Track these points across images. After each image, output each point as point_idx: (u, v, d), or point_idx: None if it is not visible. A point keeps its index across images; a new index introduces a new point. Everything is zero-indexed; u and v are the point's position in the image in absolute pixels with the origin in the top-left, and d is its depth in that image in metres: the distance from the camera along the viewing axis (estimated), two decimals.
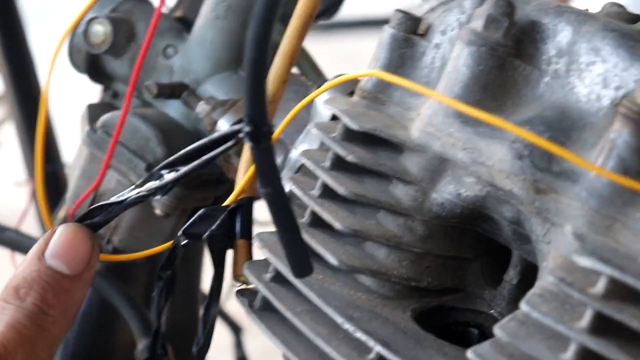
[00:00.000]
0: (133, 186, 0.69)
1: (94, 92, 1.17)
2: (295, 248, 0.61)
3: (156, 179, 0.68)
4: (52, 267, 0.67)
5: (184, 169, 0.66)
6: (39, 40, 1.65)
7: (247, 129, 0.58)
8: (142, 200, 0.69)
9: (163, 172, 0.68)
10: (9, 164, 2.14)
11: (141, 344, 0.97)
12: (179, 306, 0.98)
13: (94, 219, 0.69)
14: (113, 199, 0.69)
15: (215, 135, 0.64)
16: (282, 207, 0.60)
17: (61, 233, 0.68)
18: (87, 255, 0.68)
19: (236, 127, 0.61)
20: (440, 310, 0.73)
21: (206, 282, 1.22)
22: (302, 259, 0.61)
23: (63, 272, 0.67)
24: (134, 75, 0.81)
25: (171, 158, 0.67)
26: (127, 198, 0.68)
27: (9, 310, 0.65)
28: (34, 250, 0.68)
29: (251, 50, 0.56)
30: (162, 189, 0.68)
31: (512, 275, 0.72)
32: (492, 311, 0.73)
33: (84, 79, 1.08)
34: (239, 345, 1.44)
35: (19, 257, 1.19)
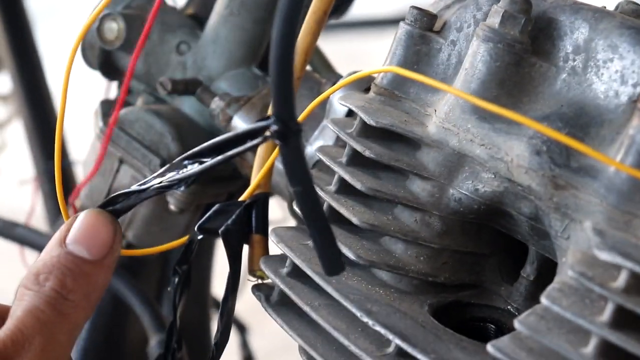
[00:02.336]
0: (154, 174, 0.68)
1: (101, 89, 1.18)
2: (327, 246, 0.61)
3: (179, 170, 0.67)
4: (72, 252, 0.66)
5: (209, 162, 0.66)
6: (42, 39, 1.65)
7: (274, 127, 0.58)
8: (165, 191, 0.68)
9: (186, 162, 0.67)
10: (13, 163, 2.15)
11: (154, 340, 0.97)
12: (189, 303, 0.99)
13: (116, 205, 0.69)
14: (134, 187, 0.69)
15: (241, 130, 0.63)
16: (313, 205, 0.60)
17: (83, 218, 0.67)
18: (109, 240, 0.67)
19: (263, 123, 0.60)
20: (457, 305, 0.73)
21: (216, 281, 1.22)
22: (334, 257, 0.61)
23: (84, 257, 0.66)
24: (132, 60, 0.80)
25: (195, 149, 0.66)
26: (149, 187, 0.68)
27: (28, 296, 0.65)
28: (55, 236, 0.67)
29: (277, 47, 0.55)
30: (185, 181, 0.67)
31: (529, 271, 0.72)
32: (508, 307, 0.73)
33: (91, 76, 1.09)
34: (244, 344, 1.44)
35: (29, 253, 1.20)
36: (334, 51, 1.16)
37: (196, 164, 0.66)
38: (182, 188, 0.67)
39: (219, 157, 0.65)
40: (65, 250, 0.66)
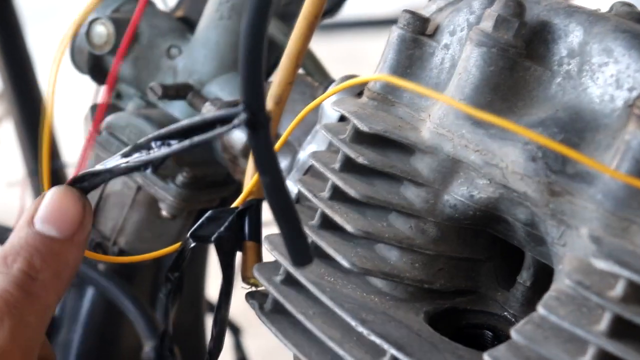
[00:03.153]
0: (119, 153, 0.66)
1: (94, 90, 1.17)
2: (294, 237, 0.60)
3: (145, 150, 0.65)
4: (41, 231, 0.65)
5: (176, 145, 0.63)
6: (38, 40, 1.64)
7: (243, 116, 0.57)
8: (131, 172, 0.66)
9: (152, 143, 0.65)
10: (2, 164, 2.14)
11: (147, 346, 0.97)
12: (183, 308, 0.98)
13: (83, 183, 0.67)
14: (99, 167, 0.67)
15: (209, 115, 0.62)
16: (281, 195, 0.59)
17: (50, 197, 0.66)
18: (78, 217, 0.66)
19: (232, 110, 0.59)
20: (453, 312, 0.72)
21: (210, 286, 1.22)
22: (301, 249, 0.60)
23: (53, 235, 0.65)
24: (116, 60, 0.79)
25: (162, 131, 0.64)
26: (116, 166, 0.66)
27: None
28: (23, 216, 0.66)
29: (246, 35, 0.55)
30: (153, 163, 0.65)
31: (525, 277, 0.72)
32: (505, 313, 0.73)
33: (85, 78, 1.08)
34: (238, 346, 1.43)
35: None
36: (332, 51, 1.15)
37: (163, 147, 0.64)
38: (149, 170, 0.65)
39: (186, 142, 0.63)
40: (33, 230, 0.65)
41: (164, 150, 0.64)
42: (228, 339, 1.42)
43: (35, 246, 0.65)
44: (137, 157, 0.65)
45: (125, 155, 0.66)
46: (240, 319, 1.41)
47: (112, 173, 0.67)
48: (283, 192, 0.59)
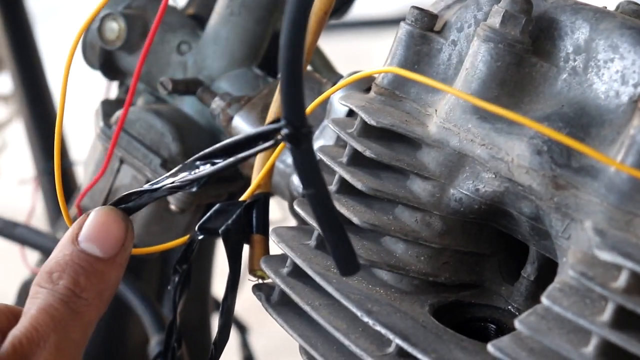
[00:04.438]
0: (167, 174, 0.69)
1: (101, 89, 1.18)
2: (341, 246, 0.60)
3: (191, 170, 0.67)
4: (85, 250, 0.66)
5: (221, 163, 0.66)
6: (43, 39, 1.65)
7: (285, 131, 0.57)
8: (177, 191, 0.68)
9: (198, 163, 0.67)
10: (13, 163, 2.15)
11: (154, 339, 0.97)
12: (189, 303, 0.99)
13: (128, 204, 0.69)
14: (146, 187, 0.69)
15: (252, 132, 0.63)
16: (326, 207, 0.59)
17: (95, 216, 0.68)
18: (120, 237, 0.67)
19: (274, 126, 0.60)
20: (457, 305, 0.73)
21: (216, 284, 1.22)
22: (349, 257, 0.61)
23: (96, 255, 0.67)
24: (139, 64, 0.80)
25: (207, 150, 0.66)
26: (162, 187, 0.68)
27: (42, 294, 0.65)
28: (67, 234, 0.67)
29: (286, 49, 0.55)
30: (198, 182, 0.67)
31: (529, 271, 0.72)
32: (509, 307, 0.73)
33: (91, 76, 1.09)
34: (245, 344, 1.44)
35: (30, 253, 1.20)
36: (334, 51, 1.16)
37: (208, 165, 0.66)
38: (194, 189, 0.67)
39: (231, 159, 0.65)
40: (77, 248, 0.67)
41: (209, 169, 0.67)
42: (234, 337, 1.43)
43: (80, 264, 0.66)
44: (183, 177, 0.68)
45: (173, 175, 0.68)
46: (247, 318, 1.42)
47: (157, 193, 0.69)
48: (328, 204, 0.60)
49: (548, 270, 0.71)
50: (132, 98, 0.89)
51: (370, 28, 3.69)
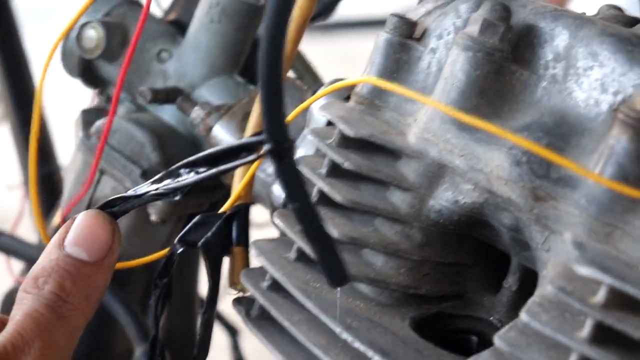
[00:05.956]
0: (151, 180, 0.68)
1: (89, 93, 1.17)
2: (330, 258, 0.60)
3: (174, 178, 0.67)
4: (71, 254, 0.66)
5: (205, 173, 0.66)
6: (36, 42, 1.64)
7: (267, 146, 0.57)
8: (161, 198, 0.68)
9: (182, 171, 0.67)
10: (1, 168, 2.14)
11: (139, 351, 0.97)
12: (175, 311, 0.98)
13: (114, 208, 0.69)
14: (131, 192, 0.69)
15: (235, 143, 0.64)
16: (312, 220, 0.59)
17: (81, 220, 0.67)
18: (107, 241, 0.67)
19: (256, 138, 0.61)
20: (439, 317, 0.72)
21: (204, 286, 1.22)
22: (338, 269, 0.61)
23: (83, 258, 0.66)
24: (121, 75, 0.79)
25: (191, 158, 0.66)
26: (146, 193, 0.68)
27: (28, 299, 0.64)
28: (54, 239, 0.67)
29: (265, 64, 0.55)
30: (181, 190, 0.67)
31: (511, 281, 0.72)
32: (491, 318, 0.73)
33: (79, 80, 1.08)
34: (235, 347, 1.43)
35: (15, 262, 1.19)
36: (329, 51, 1.15)
37: (192, 173, 0.66)
38: (178, 197, 0.67)
39: (213, 170, 0.65)
40: (63, 253, 0.66)
41: (192, 177, 0.66)
42: (225, 340, 1.42)
43: (65, 269, 0.66)
44: (167, 185, 0.67)
45: (156, 182, 0.68)
46: (238, 321, 1.41)
47: (142, 199, 0.69)
48: (313, 217, 0.59)
49: (530, 280, 0.70)
50: (115, 109, 0.88)
51: (366, 28, 3.69)
